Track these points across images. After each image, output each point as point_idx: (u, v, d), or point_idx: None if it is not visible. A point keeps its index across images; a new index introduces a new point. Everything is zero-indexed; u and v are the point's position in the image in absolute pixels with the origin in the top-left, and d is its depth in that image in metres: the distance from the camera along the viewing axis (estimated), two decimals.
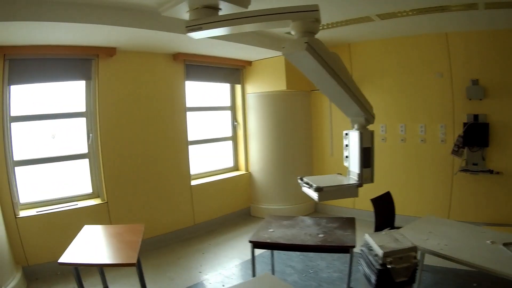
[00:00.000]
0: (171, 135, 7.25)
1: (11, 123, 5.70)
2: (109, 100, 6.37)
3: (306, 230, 4.57)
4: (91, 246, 4.13)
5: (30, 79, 5.83)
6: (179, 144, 7.40)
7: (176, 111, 7.34)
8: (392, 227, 5.18)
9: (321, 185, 3.73)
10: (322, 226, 4.70)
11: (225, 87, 8.70)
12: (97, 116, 6.29)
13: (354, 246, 4.05)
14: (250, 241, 4.35)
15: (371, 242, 3.75)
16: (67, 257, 3.76)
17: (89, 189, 6.55)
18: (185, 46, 6.71)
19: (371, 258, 3.67)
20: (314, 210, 8.73)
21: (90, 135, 6.40)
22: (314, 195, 3.86)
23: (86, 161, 6.47)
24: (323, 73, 3.42)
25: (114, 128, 6.44)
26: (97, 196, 6.54)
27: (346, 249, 4.09)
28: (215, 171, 8.47)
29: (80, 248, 4.05)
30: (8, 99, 5.64)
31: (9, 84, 5.59)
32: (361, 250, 3.93)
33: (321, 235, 4.37)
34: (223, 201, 8.17)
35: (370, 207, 5.07)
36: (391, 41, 7.37)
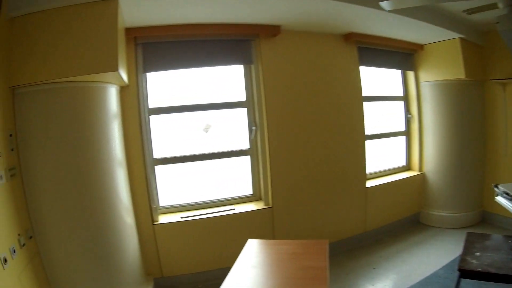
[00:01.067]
0: (346, 128, 5.52)
1: (150, 116, 4.56)
2: (274, 88, 4.90)
3: None
4: (260, 272, 2.91)
5: (171, 65, 4.59)
6: (354, 139, 5.64)
7: (351, 101, 5.59)
8: None
9: None
10: None
11: (396, 74, 6.75)
12: (263, 106, 4.87)
13: None
14: (460, 270, 3.21)
15: None
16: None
17: (248, 191, 5.14)
18: (358, 24, 5.00)
19: None
20: (482, 219, 6.58)
21: (253, 128, 4.93)
22: None
23: (246, 158, 5.06)
24: None
25: (281, 120, 4.95)
26: (259, 199, 5.13)
27: None
28: (387, 170, 6.57)
29: (245, 274, 2.82)
30: (145, 89, 4.50)
31: (145, 71, 4.45)
32: None
33: None
34: (394, 206, 6.25)
35: None
36: None
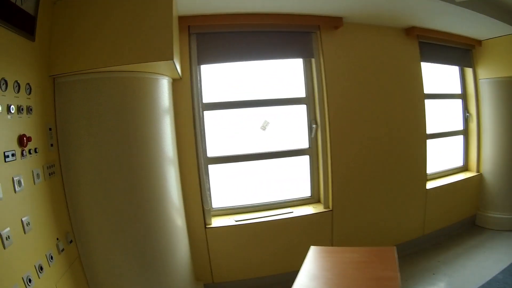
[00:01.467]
0: (407, 126, 4.84)
1: (204, 112, 3.98)
2: (336, 84, 4.23)
3: None
4: (327, 283, 2.48)
5: (227, 57, 3.99)
6: (415, 139, 4.96)
7: (413, 98, 4.90)
8: None
9: None
10: None
11: (453, 71, 5.97)
12: (325, 103, 4.20)
13: None
14: None
15: None
16: None
17: (306, 193, 4.47)
18: (420, 17, 4.40)
19: None
20: None
21: (313, 126, 4.25)
22: None
23: (305, 158, 4.42)
24: None
25: (343, 118, 4.30)
26: (317, 202, 4.47)
27: None
28: (444, 171, 5.81)
29: (311, 286, 2.42)
30: (199, 82, 3.89)
31: (199, 63, 3.86)
32: None
33: None
34: (450, 208, 5.49)
35: None
36: None
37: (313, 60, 4.19)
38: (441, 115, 5.76)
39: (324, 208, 4.32)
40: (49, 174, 2.56)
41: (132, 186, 2.99)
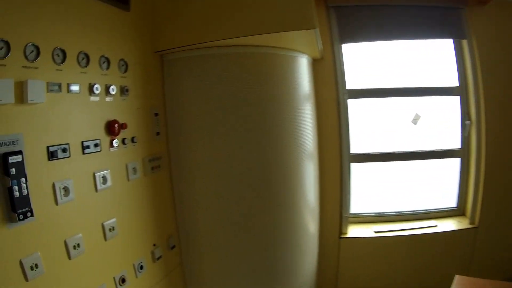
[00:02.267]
0: None
1: (348, 100, 3.29)
2: (494, 72, 3.32)
3: None
4: None
5: (371, 35, 3.27)
6: None
7: None
8: None
9: None
10: None
11: None
12: (480, 95, 3.31)
13: None
14: None
15: None
16: None
17: (452, 203, 3.66)
18: None
19: None
20: None
21: (467, 122, 3.45)
22: None
23: (455, 161, 3.57)
24: None
25: (502, 115, 3.33)
26: (462, 214, 3.64)
27: None
28: None
29: None
30: (342, 65, 3.23)
31: (341, 42, 3.20)
32: None
33: None
34: None
35: None
36: None
37: (464, 42, 3.44)
38: None
39: (470, 223, 3.52)
40: (152, 168, 2.24)
41: (260, 185, 2.50)
